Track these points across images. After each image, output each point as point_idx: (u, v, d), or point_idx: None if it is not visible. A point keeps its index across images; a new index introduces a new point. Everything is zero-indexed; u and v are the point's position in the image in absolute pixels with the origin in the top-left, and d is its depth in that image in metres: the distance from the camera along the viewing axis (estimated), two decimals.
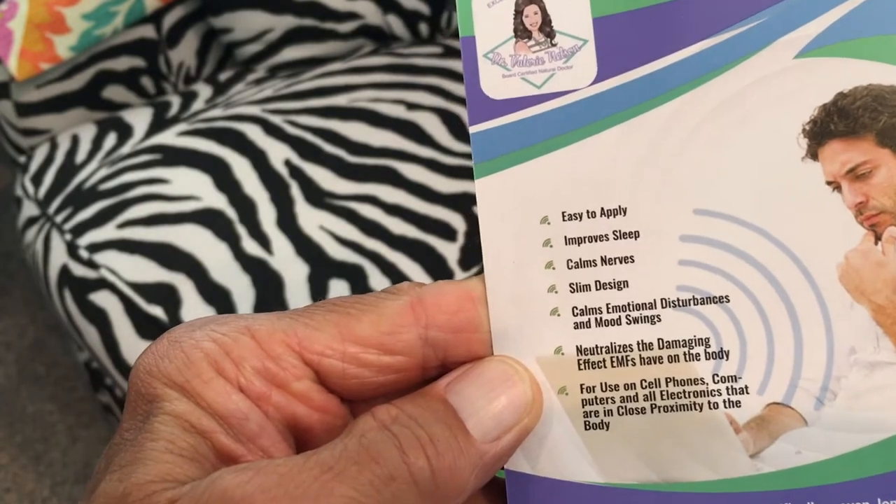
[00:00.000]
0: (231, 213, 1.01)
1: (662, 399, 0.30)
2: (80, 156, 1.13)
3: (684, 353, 0.30)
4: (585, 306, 0.30)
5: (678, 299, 0.30)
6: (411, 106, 1.12)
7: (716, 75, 0.29)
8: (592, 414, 0.30)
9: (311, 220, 1.00)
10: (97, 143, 1.14)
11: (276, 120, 1.11)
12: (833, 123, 0.29)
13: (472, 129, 0.30)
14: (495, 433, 0.28)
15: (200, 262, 0.98)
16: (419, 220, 1.00)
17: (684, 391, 0.29)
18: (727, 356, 0.29)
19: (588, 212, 0.30)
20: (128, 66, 1.21)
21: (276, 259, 0.98)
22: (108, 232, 1.02)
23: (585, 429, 0.30)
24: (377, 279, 0.96)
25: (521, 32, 0.30)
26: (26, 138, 1.19)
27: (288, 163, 1.06)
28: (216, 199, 1.03)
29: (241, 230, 1.00)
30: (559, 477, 0.30)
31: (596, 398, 0.30)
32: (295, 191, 1.03)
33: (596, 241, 0.30)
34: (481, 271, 0.30)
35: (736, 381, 0.29)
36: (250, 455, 0.28)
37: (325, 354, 0.29)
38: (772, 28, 0.29)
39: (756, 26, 0.29)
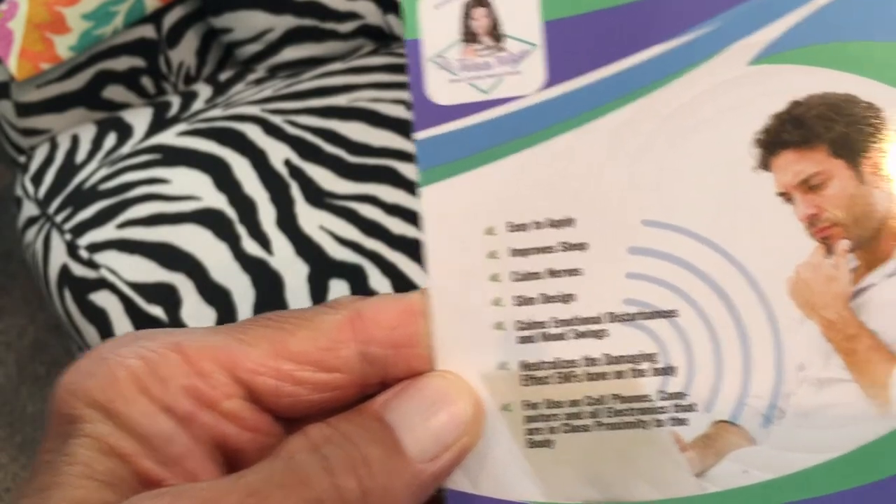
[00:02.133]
0: (231, 213, 1.01)
1: (608, 416, 0.29)
2: (80, 156, 1.13)
3: (631, 369, 0.29)
4: (531, 320, 0.29)
5: (625, 313, 0.29)
6: (411, 106, 1.11)
7: (668, 82, 0.29)
8: (536, 431, 0.29)
9: (311, 220, 1.00)
10: (97, 143, 1.14)
11: (276, 120, 1.11)
12: (786, 132, 0.28)
13: (417, 136, 0.30)
14: (433, 452, 0.27)
15: (200, 262, 0.97)
16: (419, 220, 0.99)
17: (630, 408, 0.29)
18: (674, 372, 0.28)
19: (535, 222, 0.29)
20: (128, 66, 1.21)
21: (276, 259, 0.97)
22: (108, 232, 1.02)
23: (529, 446, 0.29)
24: (377, 279, 0.95)
25: (469, 36, 0.29)
26: (26, 138, 1.19)
27: (288, 163, 1.05)
28: (216, 199, 1.02)
29: (241, 230, 0.99)
30: (501, 496, 0.29)
31: (540, 415, 0.29)
32: (295, 191, 1.03)
33: (542, 252, 0.29)
34: None
35: (683, 397, 0.28)
36: (174, 479, 0.27)
37: (257, 372, 0.28)
38: (725, 33, 0.28)
39: (710, 31, 0.28)
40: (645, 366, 0.29)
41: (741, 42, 0.28)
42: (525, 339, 0.29)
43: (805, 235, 0.28)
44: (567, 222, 0.29)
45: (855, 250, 0.28)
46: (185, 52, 1.25)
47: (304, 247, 0.98)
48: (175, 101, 1.20)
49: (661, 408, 0.29)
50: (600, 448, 0.29)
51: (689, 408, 0.28)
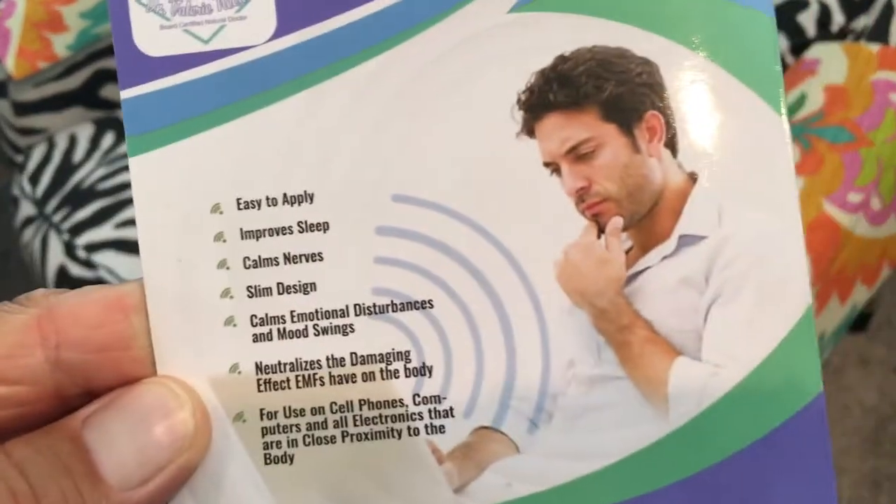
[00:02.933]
0: None
1: (356, 425, 0.25)
2: (78, 155, 1.12)
3: (381, 370, 0.25)
4: (266, 314, 0.25)
5: (374, 305, 0.25)
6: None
7: (418, 32, 0.25)
8: (274, 445, 0.25)
9: None
10: (95, 143, 1.13)
11: None
12: (552, 93, 0.24)
13: (123, 94, 0.25)
14: (140, 476, 0.23)
15: None
16: None
17: (381, 415, 0.25)
18: (430, 372, 0.24)
19: (268, 198, 0.25)
20: None
21: None
22: (106, 231, 1.00)
23: (266, 463, 0.25)
24: None
25: None
26: (24, 137, 1.18)
27: None
28: None
29: None
30: None
31: (278, 426, 0.25)
32: None
33: (278, 234, 0.25)
34: None
35: (440, 401, 0.24)
36: None
37: None
38: None
39: None
40: (397, 366, 0.25)
41: None
42: (260, 337, 0.25)
43: (574, 212, 0.24)
44: (305, 198, 0.25)
45: (629, 229, 0.24)
46: None
47: None
48: None
49: (416, 414, 0.25)
50: (347, 462, 0.25)
51: (447, 413, 0.24)
